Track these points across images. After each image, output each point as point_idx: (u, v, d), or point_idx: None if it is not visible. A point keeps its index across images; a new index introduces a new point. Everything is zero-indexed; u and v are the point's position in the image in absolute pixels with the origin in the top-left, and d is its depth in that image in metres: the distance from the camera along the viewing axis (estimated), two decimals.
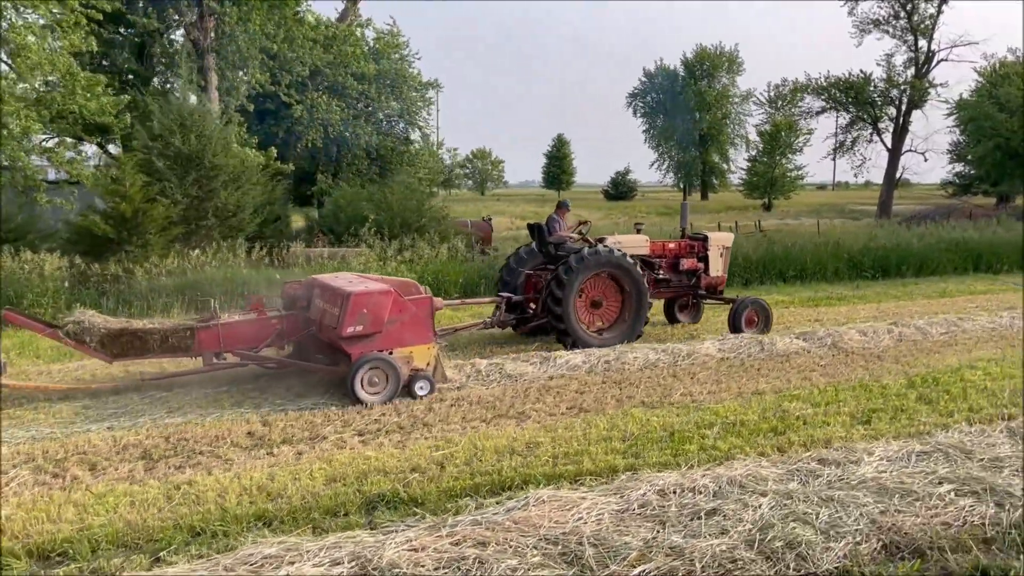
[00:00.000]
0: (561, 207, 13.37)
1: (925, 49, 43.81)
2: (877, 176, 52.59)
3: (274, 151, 23.67)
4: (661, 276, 12.84)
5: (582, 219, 14.51)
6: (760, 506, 5.37)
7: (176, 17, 22.08)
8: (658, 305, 13.68)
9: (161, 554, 4.94)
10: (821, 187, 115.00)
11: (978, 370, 9.95)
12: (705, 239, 13.29)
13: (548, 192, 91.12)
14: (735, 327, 12.48)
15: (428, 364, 9.12)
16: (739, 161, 75.77)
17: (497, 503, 5.63)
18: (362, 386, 8.54)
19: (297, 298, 9.88)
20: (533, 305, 12.30)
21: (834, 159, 52.67)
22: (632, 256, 12.02)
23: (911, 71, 44.25)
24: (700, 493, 5.63)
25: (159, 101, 17.10)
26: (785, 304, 16.00)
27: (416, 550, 4.69)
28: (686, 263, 13.01)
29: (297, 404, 8.67)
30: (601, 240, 12.41)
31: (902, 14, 43.09)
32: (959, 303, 16.28)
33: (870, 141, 46.38)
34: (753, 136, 70.77)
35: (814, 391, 9.02)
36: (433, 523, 5.20)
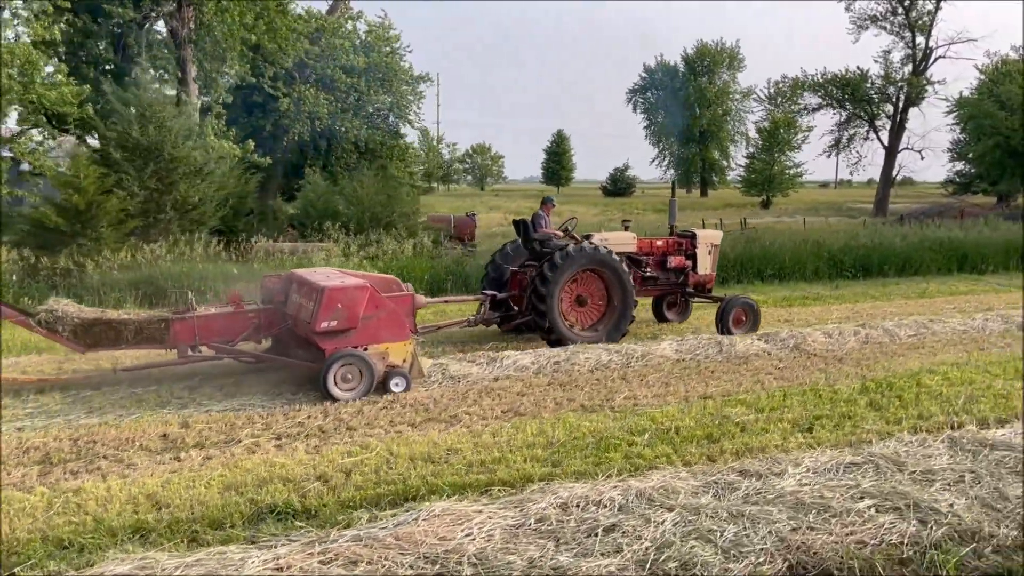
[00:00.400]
0: (546, 203, 13.11)
1: (923, 46, 43.40)
2: (877, 174, 52.16)
3: (252, 144, 23.36)
4: (648, 274, 12.69)
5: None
6: (664, 522, 5.06)
7: (154, 7, 21.74)
8: (646, 303, 13.60)
9: (16, 570, 4.65)
10: (824, 185, 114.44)
11: (937, 375, 9.61)
12: (693, 236, 13.12)
13: (548, 188, 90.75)
14: (722, 326, 12.29)
15: (404, 361, 9.00)
16: (739, 158, 75.23)
17: (392, 516, 5.33)
18: (335, 382, 8.45)
19: (275, 292, 9.73)
20: (518, 303, 12.08)
21: (830, 156, 52.07)
22: (618, 253, 11.87)
23: (908, 68, 43.78)
24: (605, 507, 5.32)
25: (119, 91, 16.78)
26: (759, 304, 15.63)
27: (280, 569, 4.40)
28: (674, 261, 12.85)
29: (225, 404, 8.39)
30: (588, 237, 12.18)
31: (900, 10, 42.67)
32: (937, 304, 15.95)
33: (866, 139, 45.99)
34: (753, 133, 70.22)
35: (762, 396, 8.71)
36: (313, 538, 4.90)
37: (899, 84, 43.36)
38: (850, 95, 44.05)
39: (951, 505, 5.48)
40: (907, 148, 44.76)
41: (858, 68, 43.67)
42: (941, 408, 8.22)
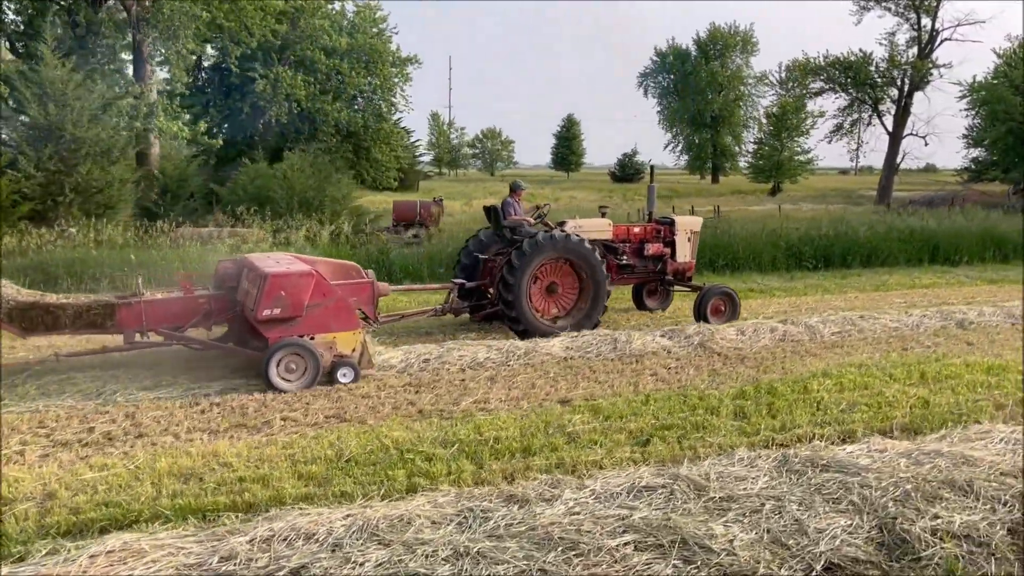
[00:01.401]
0: (515, 189, 12.43)
1: (928, 28, 41.89)
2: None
3: (203, 125, 22.78)
4: (624, 262, 12.26)
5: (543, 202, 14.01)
6: (366, 563, 4.34)
7: None
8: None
9: None
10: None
11: (833, 379, 8.78)
12: (672, 223, 12.67)
13: (556, 174, 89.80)
14: (700, 316, 11.89)
15: (354, 351, 8.69)
16: (750, 144, 73.66)
17: (76, 548, 4.64)
18: (278, 372, 8.21)
19: (227, 277, 9.34)
20: (491, 291, 11.63)
21: (831, 142, 50.70)
22: (594, 241, 11.54)
23: (914, 51, 42.32)
24: (317, 543, 4.61)
25: (23, 69, 16.19)
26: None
27: None
28: (651, 248, 12.43)
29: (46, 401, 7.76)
30: (561, 224, 11.80)
31: None
32: (891, 298, 15.04)
33: (869, 124, 44.57)
34: (763, 118, 68.65)
35: (620, 401, 7.93)
36: None
37: (904, 67, 41.88)
38: (852, 79, 42.60)
39: (731, 541, 4.72)
40: (912, 134, 43.34)
41: (861, 51, 42.29)
42: (811, 418, 7.43)
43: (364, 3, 38.13)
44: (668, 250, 12.57)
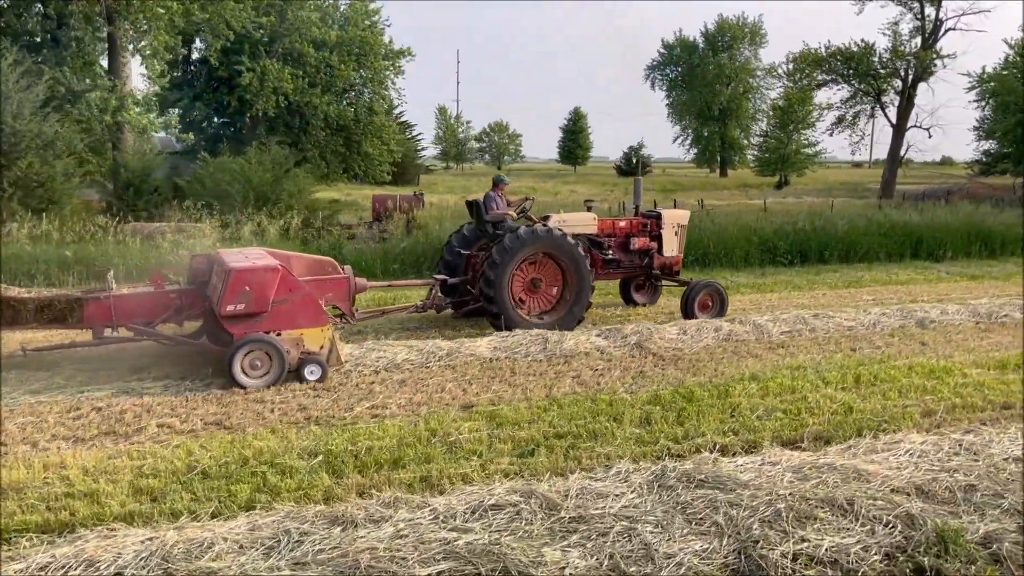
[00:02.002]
0: (497, 184, 12.14)
1: (932, 17, 40.97)
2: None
3: (175, 118, 22.48)
4: (610, 256, 12.05)
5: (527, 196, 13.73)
6: None
7: None
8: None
9: None
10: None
11: (761, 382, 8.30)
12: (659, 217, 12.46)
13: (563, 167, 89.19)
14: (687, 311, 11.71)
15: (322, 347, 8.52)
16: (757, 137, 72.75)
17: None
18: (242, 369, 8.04)
19: (200, 272, 9.17)
20: (473, 287, 11.39)
21: (832, 134, 50.01)
22: (578, 235, 11.43)
23: (917, 41, 41.44)
24: (97, 573, 4.20)
25: None
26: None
27: None
28: (637, 242, 12.23)
29: None
30: (545, 218, 11.63)
31: None
32: (861, 295, 14.49)
33: (872, 116, 43.67)
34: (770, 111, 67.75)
35: (523, 407, 7.48)
36: None
37: (907, 58, 40.98)
38: (855, 70, 41.73)
39: (562, 569, 4.30)
40: (916, 126, 42.43)
41: (863, 41, 41.40)
42: (719, 426, 6.96)
43: None
44: (655, 244, 12.36)
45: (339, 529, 4.67)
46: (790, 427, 6.95)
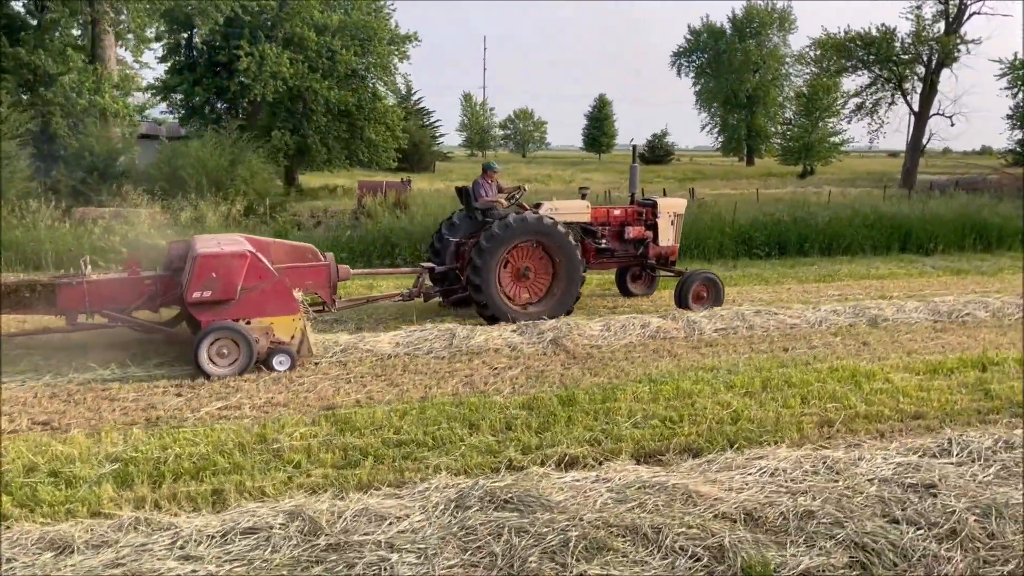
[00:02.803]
0: (486, 171, 11.81)
1: (956, 1, 39.47)
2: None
3: (153, 102, 22.21)
4: (603, 245, 11.74)
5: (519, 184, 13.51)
6: None
7: None
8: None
9: None
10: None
11: (653, 386, 7.70)
12: (654, 206, 12.10)
13: (587, 155, 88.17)
14: (681, 302, 11.40)
15: (292, 337, 8.31)
16: (780, 126, 71.09)
17: None
18: (208, 358, 7.88)
19: (176, 258, 9.04)
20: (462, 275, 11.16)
21: (851, 122, 48.77)
22: (571, 224, 11.17)
23: (940, 25, 39.96)
24: None
25: None
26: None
27: None
28: (632, 231, 11.89)
29: None
30: (537, 206, 11.29)
31: None
32: (828, 290, 13.76)
33: (891, 103, 42.21)
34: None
35: (382, 411, 6.95)
36: None
37: (930, 43, 39.52)
38: (875, 55, 40.33)
39: None
40: (938, 113, 40.97)
41: (883, 25, 39.96)
42: (582, 435, 6.39)
43: None
44: (650, 233, 11.99)
45: (51, 555, 4.18)
46: (660, 437, 6.36)
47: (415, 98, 62.52)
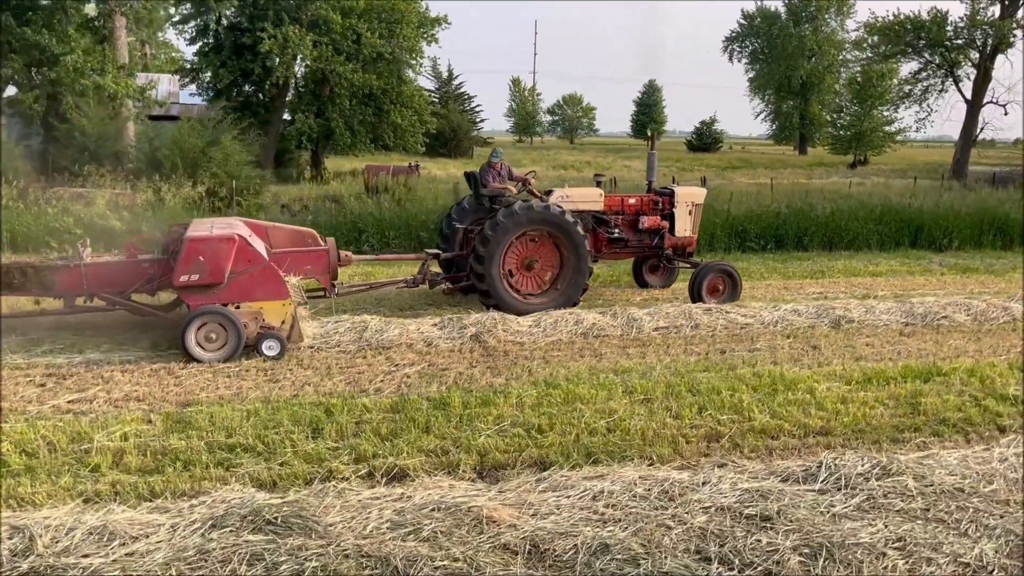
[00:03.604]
0: (493, 158, 11.48)
1: None
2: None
3: (154, 84, 22.11)
4: (616, 235, 11.32)
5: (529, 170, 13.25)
6: None
7: None
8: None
9: None
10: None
11: (541, 389, 7.13)
12: (672, 195, 11.65)
13: (635, 142, 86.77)
14: (696, 295, 10.96)
15: (283, 322, 8.21)
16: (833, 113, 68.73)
17: None
18: (196, 342, 7.83)
19: (174, 242, 8.91)
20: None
21: (897, 110, 46.77)
22: (583, 212, 10.87)
23: (996, 9, 37.97)
24: None
25: None
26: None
27: None
28: (647, 221, 11.45)
29: None
30: (548, 193, 11.06)
31: None
32: (812, 287, 12.92)
33: (942, 91, 40.27)
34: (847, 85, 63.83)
35: (228, 410, 6.49)
36: None
37: (985, 27, 37.55)
38: (925, 40, 38.49)
39: None
40: (992, 102, 39.01)
41: (935, 9, 38.08)
42: (437, 444, 5.88)
43: None
44: (666, 223, 11.53)
45: None
46: (515, 448, 5.84)
47: (456, 82, 62.12)
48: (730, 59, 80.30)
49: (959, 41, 38.53)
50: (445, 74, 61.26)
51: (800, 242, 16.30)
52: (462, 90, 62.16)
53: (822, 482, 5.07)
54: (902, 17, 39.04)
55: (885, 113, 57.41)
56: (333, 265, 9.47)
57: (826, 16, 75.21)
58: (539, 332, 9.26)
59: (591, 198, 11.27)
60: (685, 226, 11.64)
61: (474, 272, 10.13)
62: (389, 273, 12.46)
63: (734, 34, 79.44)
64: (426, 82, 60.55)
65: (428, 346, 8.74)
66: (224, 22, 34.36)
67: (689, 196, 11.78)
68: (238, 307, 8.03)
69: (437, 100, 60.06)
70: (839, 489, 4.99)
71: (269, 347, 8.02)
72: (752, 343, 9.17)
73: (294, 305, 8.30)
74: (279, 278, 8.26)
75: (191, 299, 8.00)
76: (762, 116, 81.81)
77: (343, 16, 33.31)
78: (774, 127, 78.88)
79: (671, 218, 11.56)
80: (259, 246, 8.65)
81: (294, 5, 32.57)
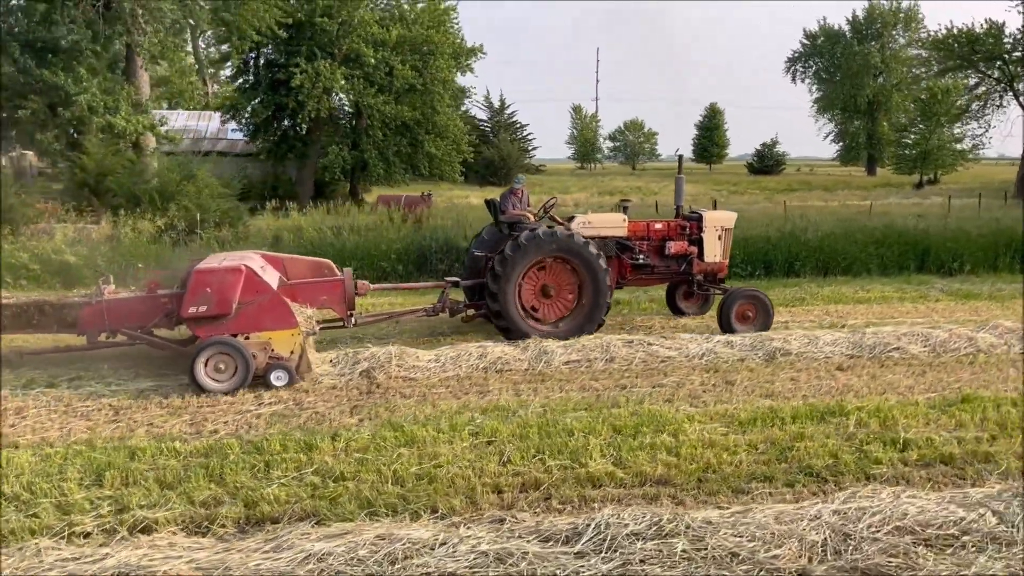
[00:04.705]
0: (515, 185, 11.54)
1: None
2: None
3: (164, 120, 22.53)
4: (641, 261, 11.07)
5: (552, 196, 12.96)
6: None
7: None
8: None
9: None
10: None
11: (387, 431, 6.66)
12: (700, 219, 11.35)
13: (696, 167, 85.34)
14: (725, 324, 10.60)
15: (292, 352, 8.27)
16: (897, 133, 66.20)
17: None
18: (205, 372, 7.91)
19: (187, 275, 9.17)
20: None
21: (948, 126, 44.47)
22: (606, 238, 10.74)
23: None
24: None
25: None
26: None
27: None
28: (674, 246, 11.18)
29: None
30: (571, 219, 10.95)
31: None
32: (779, 316, 12.06)
33: (1000, 105, 38.29)
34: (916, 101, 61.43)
35: (21, 456, 6.22)
36: None
37: None
38: (981, 54, 36.71)
39: None
40: None
41: (988, 20, 36.31)
42: (198, 496, 5.46)
43: None
44: (695, 248, 11.24)
45: None
46: (291, 501, 5.38)
47: (508, 111, 62.25)
48: (793, 80, 78.61)
49: (1017, 53, 36.66)
50: (497, 103, 61.41)
51: (792, 267, 15.41)
52: (514, 119, 62.20)
53: (584, 543, 4.48)
54: (955, 31, 37.41)
55: (956, 130, 54.99)
56: (350, 295, 9.45)
57: (893, 32, 72.94)
58: (437, 367, 8.82)
59: (614, 224, 11.01)
60: (715, 251, 11.27)
61: (488, 292, 9.97)
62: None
63: (797, 54, 77.73)
64: (480, 112, 60.92)
65: (315, 384, 8.37)
66: (262, 60, 35.15)
67: (718, 220, 11.38)
68: (247, 337, 8.09)
69: (489, 129, 60.42)
70: (599, 552, 4.41)
71: (278, 377, 8.05)
72: (662, 377, 8.56)
73: (303, 335, 8.31)
74: (287, 307, 8.28)
75: (200, 330, 8.10)
76: (830, 137, 79.71)
77: (375, 49, 33.61)
78: (840, 148, 76.63)
79: (699, 243, 11.22)
80: (270, 276, 8.70)
81: (327, 40, 33.06)
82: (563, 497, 5.47)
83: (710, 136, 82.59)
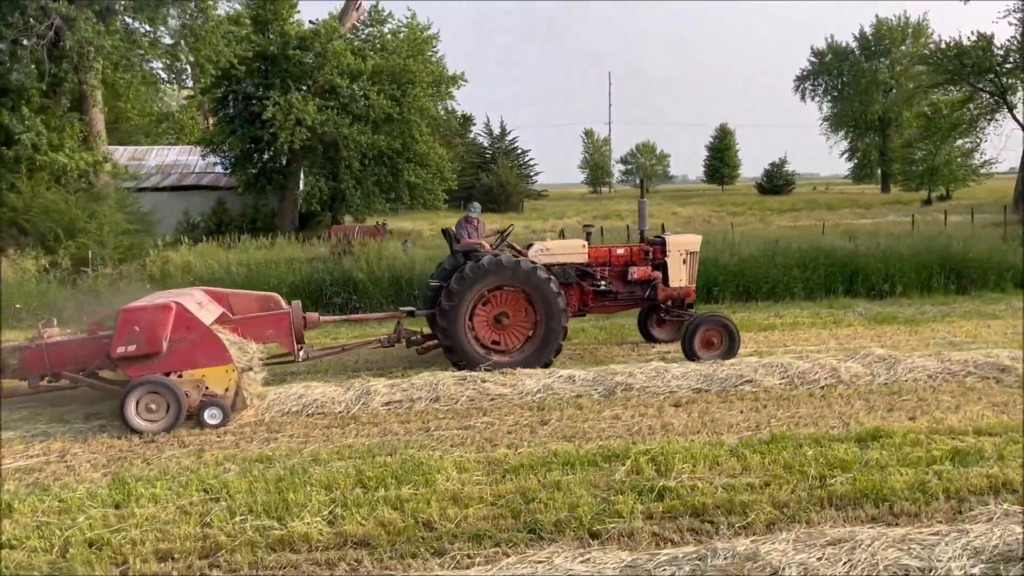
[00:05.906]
0: (469, 214, 11.65)
1: None
2: None
3: (110, 155, 22.52)
4: (603, 287, 10.89)
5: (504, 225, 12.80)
6: None
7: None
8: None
9: None
10: None
11: (116, 489, 6.25)
12: (663, 243, 11.14)
13: (708, 187, 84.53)
14: (688, 351, 10.31)
15: (227, 389, 8.11)
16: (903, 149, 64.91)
17: None
18: (136, 413, 7.74)
19: None
20: None
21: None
22: (566, 265, 10.65)
23: None
24: None
25: None
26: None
27: None
28: (637, 272, 10.98)
29: None
30: (529, 247, 10.84)
31: None
32: (663, 348, 11.53)
33: (991, 119, 37.23)
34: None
35: None
36: None
37: None
38: (971, 67, 35.74)
39: None
40: None
41: (977, 32, 35.33)
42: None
43: (404, 24, 37.17)
44: (658, 274, 11.02)
45: None
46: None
47: (509, 138, 62.15)
48: (802, 98, 77.83)
49: (1009, 65, 35.68)
50: (498, 130, 61.35)
51: (709, 293, 14.79)
52: (515, 145, 62.07)
53: None
54: (943, 45, 36.56)
55: (966, 145, 53.72)
56: (298, 328, 9.26)
57: (901, 48, 71.89)
58: (251, 412, 8.37)
59: (574, 250, 10.84)
60: (680, 276, 11.00)
61: (438, 326, 9.88)
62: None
63: (805, 72, 76.99)
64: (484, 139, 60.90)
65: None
66: (240, 95, 35.24)
67: (683, 244, 11.09)
68: (180, 375, 7.90)
69: (489, 156, 60.27)
70: None
71: (212, 415, 7.86)
72: (482, 417, 8.06)
73: (238, 371, 8.09)
74: (221, 344, 8.06)
75: (131, 370, 7.87)
76: (843, 155, 78.63)
77: (351, 80, 33.53)
78: (850, 166, 75.56)
79: (664, 268, 10.97)
80: (207, 312, 8.49)
81: (300, 73, 33.13)
82: (234, 563, 5.00)
83: (721, 157, 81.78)
